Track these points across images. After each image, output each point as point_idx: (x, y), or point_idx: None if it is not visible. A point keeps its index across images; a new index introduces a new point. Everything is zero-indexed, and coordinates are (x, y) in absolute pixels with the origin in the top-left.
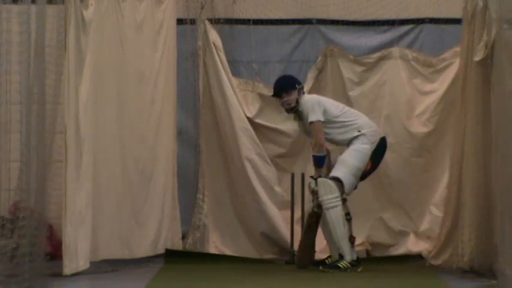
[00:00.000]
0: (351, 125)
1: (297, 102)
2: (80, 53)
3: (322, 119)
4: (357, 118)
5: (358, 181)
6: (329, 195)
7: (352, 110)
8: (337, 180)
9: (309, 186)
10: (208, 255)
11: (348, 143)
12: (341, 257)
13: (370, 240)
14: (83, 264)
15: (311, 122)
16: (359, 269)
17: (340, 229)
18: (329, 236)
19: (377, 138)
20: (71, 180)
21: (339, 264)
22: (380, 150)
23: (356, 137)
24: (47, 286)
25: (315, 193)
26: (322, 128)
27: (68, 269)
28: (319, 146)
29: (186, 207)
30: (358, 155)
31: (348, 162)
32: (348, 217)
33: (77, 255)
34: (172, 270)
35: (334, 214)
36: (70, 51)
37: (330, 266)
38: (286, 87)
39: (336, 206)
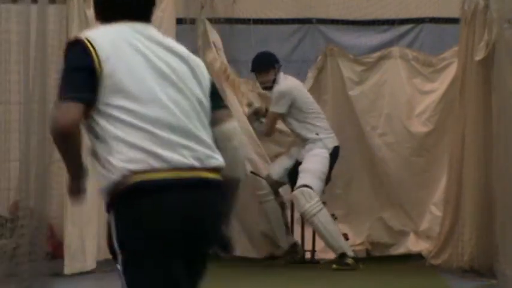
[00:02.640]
0: (311, 124)
1: (274, 81)
2: None
3: (281, 111)
4: (319, 121)
5: (325, 185)
6: (310, 202)
7: (319, 112)
8: (306, 187)
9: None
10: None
11: (305, 140)
12: (343, 254)
13: (370, 240)
14: (90, 263)
15: (271, 111)
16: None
17: (332, 229)
18: (326, 241)
19: (332, 146)
20: None
21: (347, 261)
22: (333, 158)
23: (313, 141)
24: (46, 286)
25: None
26: (276, 119)
27: (68, 269)
28: (265, 134)
29: None
30: (318, 160)
31: (310, 169)
32: (333, 217)
33: (85, 254)
34: None
35: (322, 217)
36: None
37: (340, 263)
38: (264, 65)
39: (321, 210)
